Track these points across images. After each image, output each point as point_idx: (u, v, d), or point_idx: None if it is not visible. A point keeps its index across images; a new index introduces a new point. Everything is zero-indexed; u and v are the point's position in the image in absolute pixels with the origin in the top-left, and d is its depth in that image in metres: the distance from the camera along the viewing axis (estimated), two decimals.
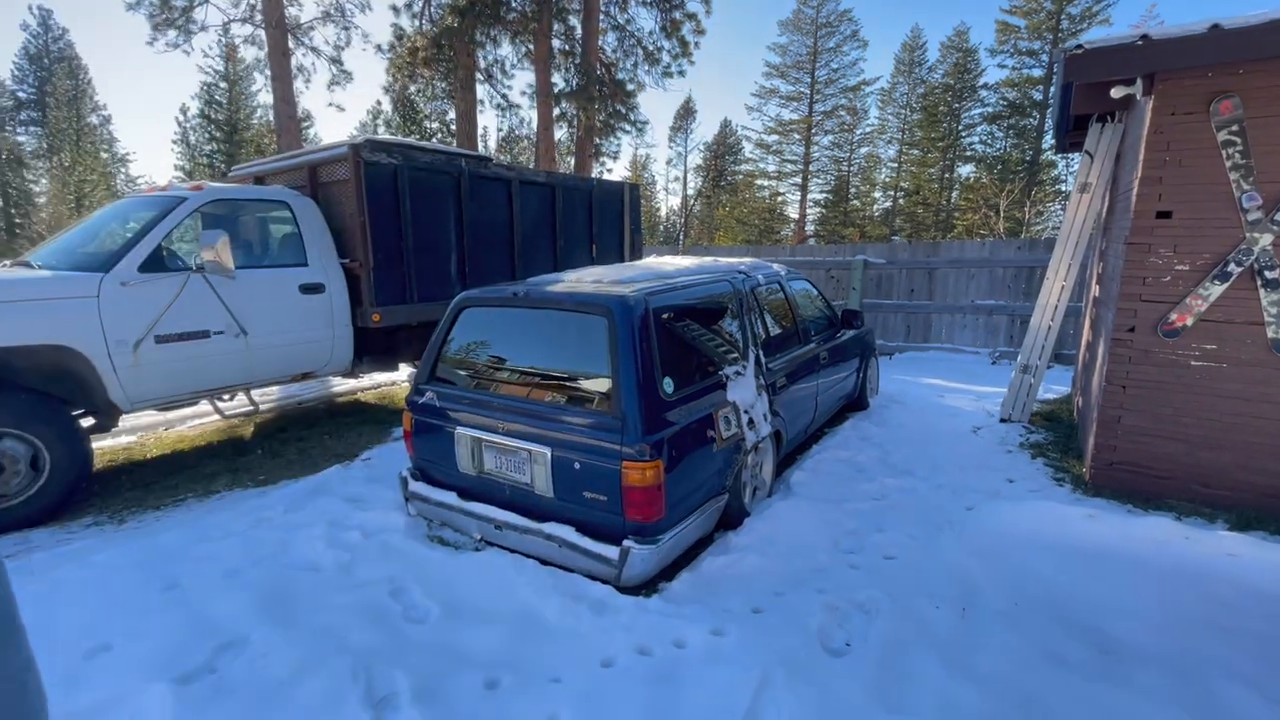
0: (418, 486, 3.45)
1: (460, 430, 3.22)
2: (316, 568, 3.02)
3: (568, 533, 2.86)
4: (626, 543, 2.70)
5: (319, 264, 4.87)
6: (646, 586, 2.81)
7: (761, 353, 3.70)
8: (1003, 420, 5.08)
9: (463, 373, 3.37)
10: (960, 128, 33.90)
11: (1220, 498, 3.46)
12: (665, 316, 3.01)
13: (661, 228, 44.84)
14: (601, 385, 2.81)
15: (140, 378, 3.91)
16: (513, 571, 2.87)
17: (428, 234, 5.40)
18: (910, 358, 8.66)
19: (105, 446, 4.96)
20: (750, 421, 3.37)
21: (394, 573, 2.94)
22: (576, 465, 2.82)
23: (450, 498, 3.28)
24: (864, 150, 37.39)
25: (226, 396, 4.64)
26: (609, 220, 7.71)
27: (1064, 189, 29.30)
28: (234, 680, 2.20)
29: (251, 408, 4.61)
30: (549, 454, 2.88)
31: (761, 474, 3.72)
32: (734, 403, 3.26)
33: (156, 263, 4.01)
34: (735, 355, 3.45)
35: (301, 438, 5.13)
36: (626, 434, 2.66)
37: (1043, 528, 3.07)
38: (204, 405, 5.39)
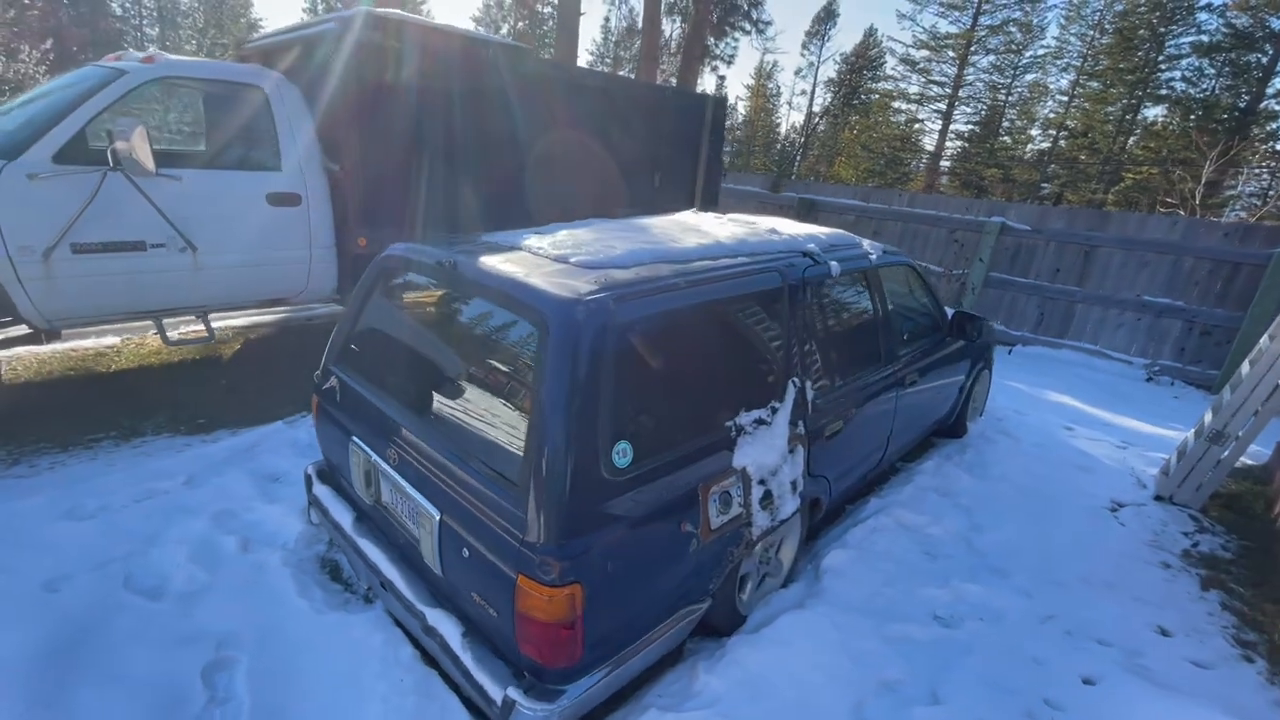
0: (322, 491, 2.65)
1: (354, 442, 2.33)
2: (156, 595, 2.33)
3: (451, 634, 1.95)
4: (510, 693, 1.75)
5: (295, 169, 3.99)
6: None
7: (810, 383, 2.50)
8: (1159, 498, 3.60)
9: (372, 362, 2.43)
10: (1160, 58, 27.62)
11: None
12: (645, 331, 1.89)
13: (778, 146, 41.16)
14: (514, 440, 1.77)
15: (55, 293, 3.27)
16: (378, 665, 2.04)
17: (436, 144, 4.36)
18: (1037, 355, 6.91)
19: (72, 349, 4.55)
20: (767, 497, 2.25)
21: (236, 627, 2.19)
22: (465, 551, 1.86)
23: (347, 520, 2.45)
24: (1029, 77, 31.58)
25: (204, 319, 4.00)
26: (683, 143, 6.32)
27: None
28: None
29: (206, 336, 3.97)
30: (436, 520, 1.93)
31: (778, 557, 2.63)
32: (742, 470, 2.14)
33: (78, 153, 3.26)
34: (761, 394, 2.29)
35: (278, 371, 4.50)
36: (528, 535, 1.65)
37: None
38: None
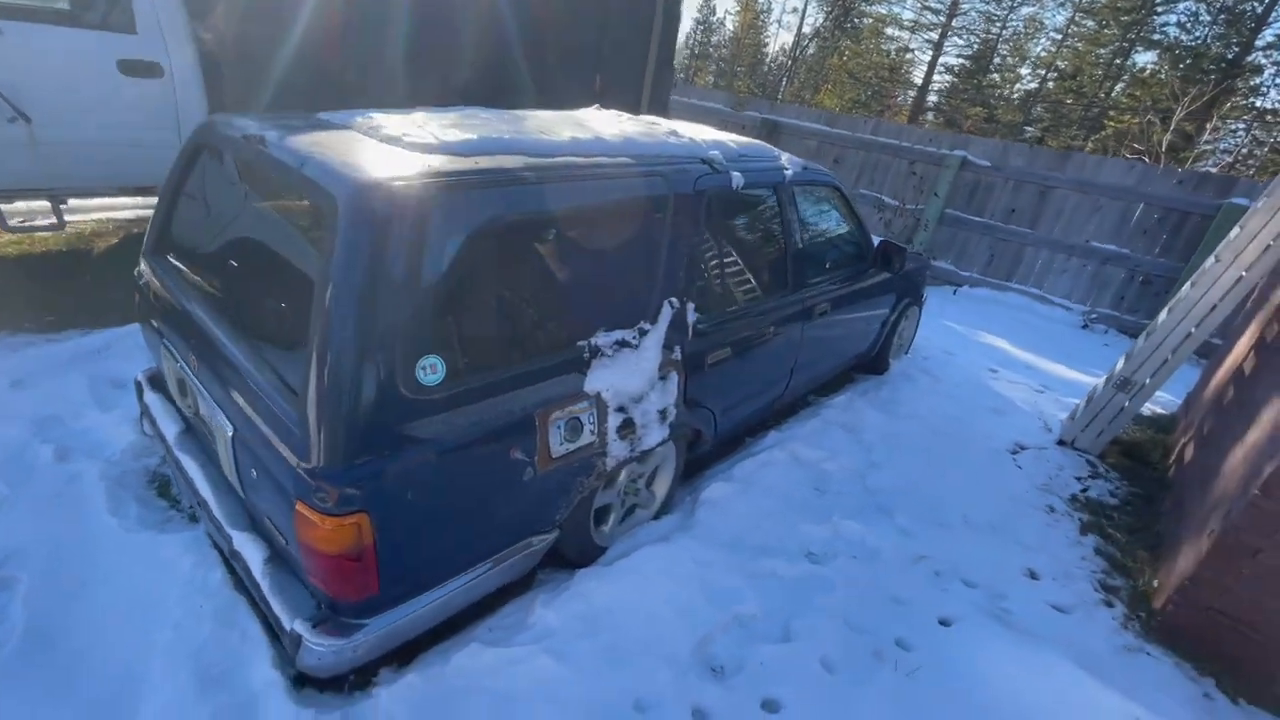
0: (153, 400, 2.37)
1: (165, 345, 2.05)
2: None
3: (254, 559, 1.77)
4: (297, 625, 1.59)
5: (154, 32, 3.44)
6: (357, 674, 1.75)
7: (693, 306, 2.27)
8: (1061, 443, 3.58)
9: (181, 254, 2.12)
10: (1159, 1, 26.71)
11: None
12: (472, 230, 1.62)
13: (765, 67, 39.24)
14: (304, 347, 1.52)
15: None
16: (180, 590, 1.85)
17: (319, 19, 3.81)
18: (982, 296, 6.81)
19: None
20: (627, 425, 2.06)
21: (25, 544, 1.97)
22: (253, 472, 1.65)
23: (172, 433, 2.20)
24: (1026, 10, 30.36)
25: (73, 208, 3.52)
26: (629, 41, 5.76)
27: (1264, 105, 23.26)
28: None
29: (56, 224, 3.52)
30: (230, 434, 1.70)
31: (650, 489, 2.49)
32: (596, 395, 1.94)
33: None
34: (627, 313, 2.06)
35: None
36: (307, 457, 1.43)
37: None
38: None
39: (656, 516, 2.51)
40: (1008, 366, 4.83)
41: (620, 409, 2.03)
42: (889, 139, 7.67)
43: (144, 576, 1.89)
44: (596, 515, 2.24)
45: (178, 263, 2.10)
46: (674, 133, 2.54)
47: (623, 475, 2.25)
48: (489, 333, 1.70)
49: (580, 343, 1.91)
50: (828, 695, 1.87)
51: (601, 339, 1.96)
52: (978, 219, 7.07)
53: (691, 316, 2.28)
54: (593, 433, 1.96)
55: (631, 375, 2.04)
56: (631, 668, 1.83)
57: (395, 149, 1.71)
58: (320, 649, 1.55)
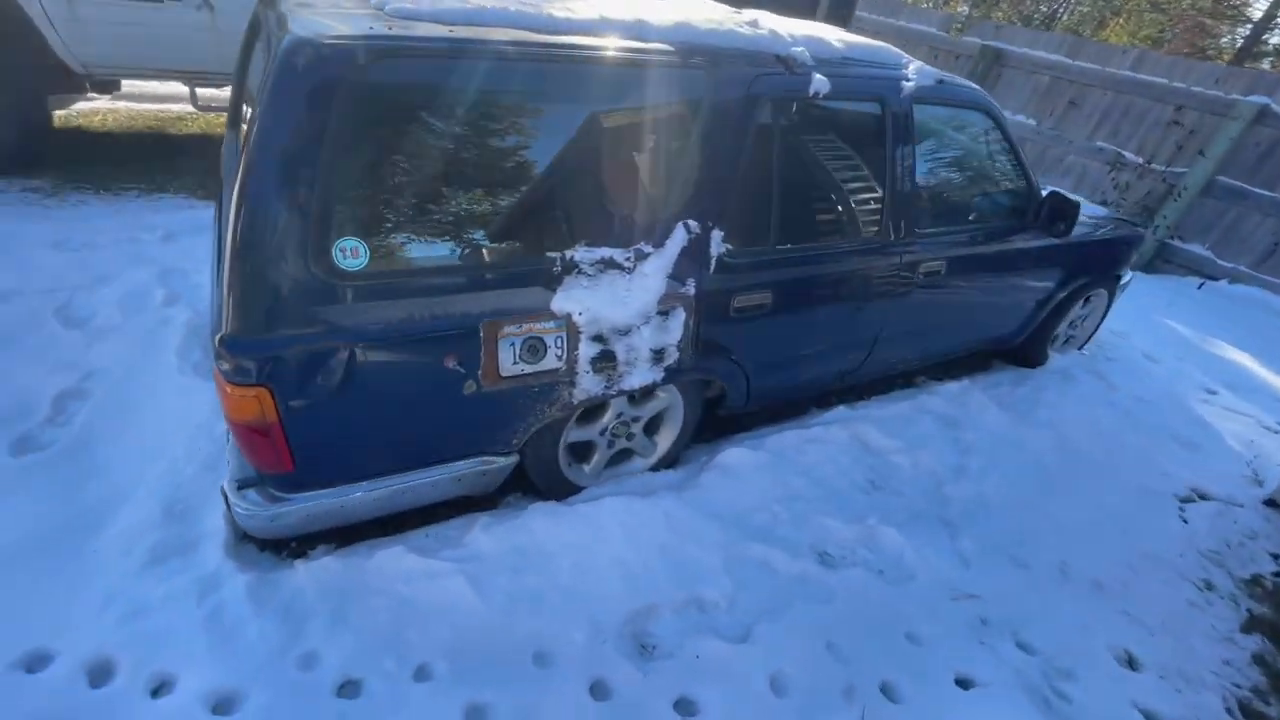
0: None
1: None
2: (73, 325, 2.52)
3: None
4: (225, 484, 1.65)
5: None
6: (300, 543, 1.82)
7: (720, 235, 1.90)
8: (1271, 503, 2.56)
9: (234, 123, 2.23)
10: None
11: None
12: (426, 105, 1.46)
13: None
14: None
15: (82, 36, 3.41)
16: (191, 430, 2.06)
17: None
18: (1241, 297, 5.12)
19: (155, 110, 4.94)
20: (604, 359, 1.81)
21: (109, 366, 2.31)
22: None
23: None
24: None
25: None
26: None
27: None
28: None
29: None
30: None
31: (650, 437, 2.22)
32: (567, 317, 1.71)
33: None
34: (622, 229, 1.78)
35: None
36: (218, 324, 1.42)
37: None
38: None
39: (656, 468, 2.25)
40: (1235, 390, 3.60)
41: (597, 338, 1.78)
42: (1153, 77, 5.91)
43: (174, 414, 2.12)
44: (573, 450, 2.06)
45: (232, 133, 2.23)
46: (754, 23, 2.08)
47: (608, 414, 2.02)
48: (428, 226, 1.54)
49: (552, 254, 1.68)
50: (756, 717, 1.54)
51: (581, 254, 1.71)
52: (1267, 194, 5.24)
53: (717, 247, 1.91)
54: (559, 358, 1.75)
55: (617, 302, 1.77)
56: (546, 617, 1.67)
57: (369, 10, 1.57)
58: (241, 511, 1.61)
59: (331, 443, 1.60)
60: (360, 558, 1.75)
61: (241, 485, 1.64)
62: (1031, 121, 6.65)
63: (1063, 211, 2.62)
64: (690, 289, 1.89)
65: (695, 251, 1.87)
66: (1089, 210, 3.19)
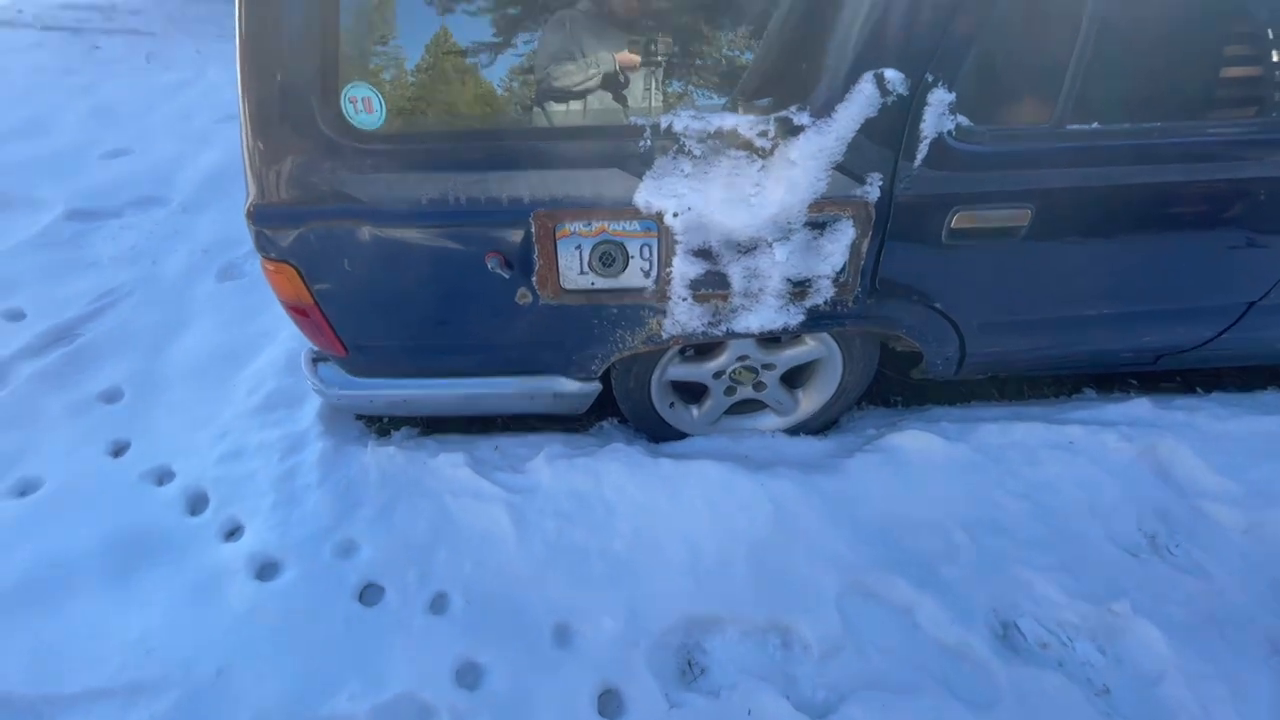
0: None
1: None
2: None
3: None
4: (305, 354, 1.59)
5: None
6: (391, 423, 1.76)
7: (951, 97, 1.09)
8: None
9: None
10: None
11: None
12: None
13: None
14: None
15: None
16: None
17: None
18: None
19: None
20: (712, 281, 1.25)
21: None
22: None
23: None
24: None
25: None
26: None
27: None
28: None
29: None
30: None
31: (787, 392, 1.61)
32: (657, 216, 1.18)
33: None
34: (757, 79, 1.12)
35: None
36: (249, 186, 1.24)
37: None
38: None
39: (795, 431, 1.67)
40: None
41: (702, 253, 1.22)
42: None
43: None
44: (676, 389, 1.59)
45: None
46: None
47: (725, 354, 1.48)
48: (459, 75, 1.10)
49: (638, 122, 1.12)
50: None
51: (683, 121, 1.11)
52: None
53: (938, 121, 1.11)
54: (645, 273, 1.25)
55: (738, 201, 1.16)
56: (582, 587, 1.37)
57: None
58: (313, 384, 1.56)
59: (375, 334, 1.41)
60: (426, 454, 1.62)
61: (317, 359, 1.57)
62: None
63: None
64: (871, 190, 1.16)
65: (890, 125, 1.11)
66: None
